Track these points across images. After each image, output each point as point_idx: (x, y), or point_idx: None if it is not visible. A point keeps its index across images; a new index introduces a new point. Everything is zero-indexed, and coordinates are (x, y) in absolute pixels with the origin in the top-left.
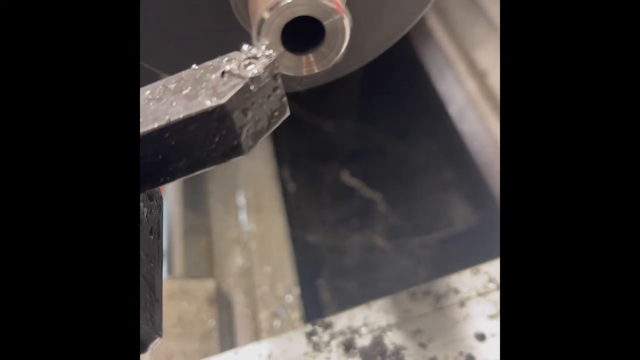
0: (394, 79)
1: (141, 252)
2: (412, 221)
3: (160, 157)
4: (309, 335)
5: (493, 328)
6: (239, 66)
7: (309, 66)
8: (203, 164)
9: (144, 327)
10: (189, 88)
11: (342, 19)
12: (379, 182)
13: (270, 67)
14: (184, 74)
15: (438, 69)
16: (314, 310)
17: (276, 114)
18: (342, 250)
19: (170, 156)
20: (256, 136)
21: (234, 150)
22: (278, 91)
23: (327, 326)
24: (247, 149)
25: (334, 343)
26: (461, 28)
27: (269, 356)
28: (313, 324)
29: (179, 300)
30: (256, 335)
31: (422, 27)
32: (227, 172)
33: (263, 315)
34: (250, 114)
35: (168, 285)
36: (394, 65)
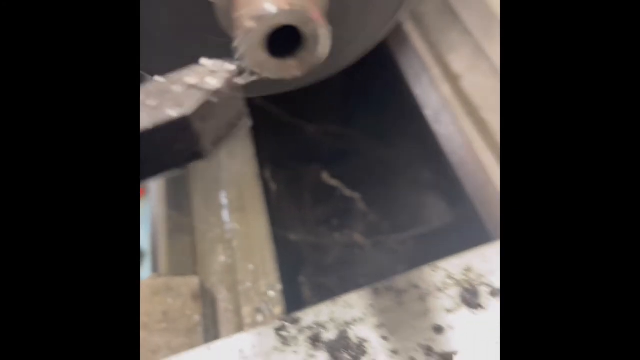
0: (373, 83)
1: None
2: (390, 219)
3: None
4: (278, 330)
5: (450, 321)
6: (200, 79)
7: (291, 70)
8: (167, 168)
9: None
10: (153, 99)
11: (320, 27)
12: (358, 182)
13: (229, 81)
14: (149, 86)
15: (414, 73)
16: (296, 305)
17: (236, 121)
18: (323, 247)
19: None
20: (216, 142)
21: (195, 155)
22: (237, 101)
23: (295, 321)
24: (207, 154)
25: (301, 337)
26: (436, 33)
27: (241, 351)
28: (282, 320)
29: (163, 297)
30: (240, 329)
31: (399, 33)
32: (209, 172)
33: (246, 310)
34: (210, 123)
35: (153, 282)
36: (373, 70)
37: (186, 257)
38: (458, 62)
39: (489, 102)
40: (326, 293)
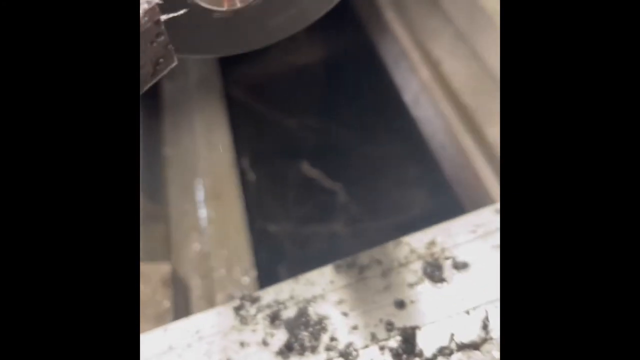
0: (353, 71)
1: None
2: (370, 207)
3: None
4: (237, 309)
5: (412, 296)
6: None
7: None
8: None
9: None
10: None
11: None
12: (339, 171)
13: (151, 13)
14: None
15: (393, 59)
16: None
17: (161, 60)
18: (301, 235)
19: None
20: (146, 80)
21: None
22: (162, 38)
23: (255, 300)
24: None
25: (260, 316)
26: (417, 20)
27: (197, 331)
28: (241, 299)
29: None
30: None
31: (379, 21)
32: (185, 161)
33: (220, 297)
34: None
35: None
36: (353, 57)
37: (159, 246)
38: (439, 47)
39: (468, 86)
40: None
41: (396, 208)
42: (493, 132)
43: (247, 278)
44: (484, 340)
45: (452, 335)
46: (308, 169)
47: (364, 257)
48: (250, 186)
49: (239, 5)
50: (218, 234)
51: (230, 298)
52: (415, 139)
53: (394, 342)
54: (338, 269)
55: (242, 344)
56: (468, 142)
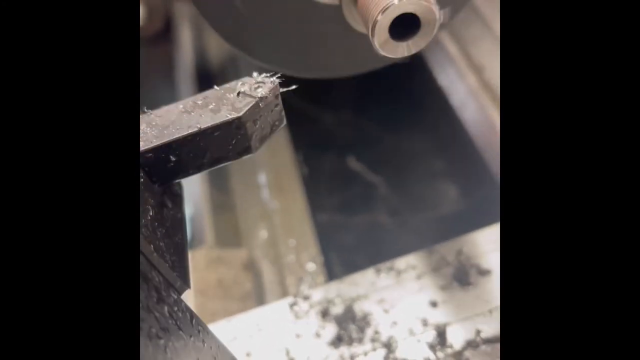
0: (399, 75)
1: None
2: (415, 203)
3: (191, 155)
4: (291, 305)
5: (443, 296)
6: (250, 88)
7: (404, 50)
8: (222, 161)
9: (179, 280)
10: (214, 104)
11: (434, 13)
12: (381, 168)
13: (274, 90)
14: (208, 93)
15: (439, 65)
16: (336, 276)
17: (277, 123)
18: (351, 225)
19: (199, 154)
20: (262, 140)
21: (245, 150)
22: (278, 107)
23: (306, 298)
24: (255, 149)
25: (312, 312)
26: (459, 27)
27: (257, 324)
28: (295, 296)
29: (216, 267)
30: (285, 296)
31: None
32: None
33: (290, 280)
34: (258, 123)
35: (207, 253)
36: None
37: (230, 232)
38: (480, 54)
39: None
40: (353, 269)
41: (439, 204)
42: None
43: (314, 264)
44: None
45: (478, 331)
46: (353, 162)
47: (400, 263)
48: (305, 179)
49: (412, 53)
50: (284, 223)
51: (300, 280)
52: (462, 140)
53: (429, 336)
54: (378, 272)
55: (297, 336)
56: None
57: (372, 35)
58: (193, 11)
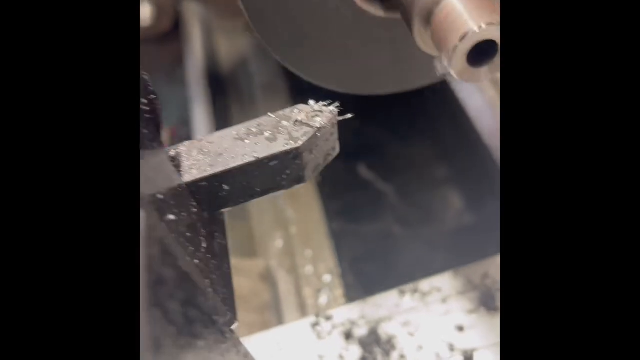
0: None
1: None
2: (424, 210)
3: (244, 184)
4: (313, 325)
5: (470, 321)
6: (307, 117)
7: (482, 76)
8: (274, 190)
9: (229, 314)
10: (269, 132)
11: None
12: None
13: (332, 119)
14: (262, 120)
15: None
16: (355, 289)
17: (331, 152)
18: (364, 234)
19: (252, 183)
20: (315, 169)
21: (298, 179)
22: (334, 136)
23: (329, 318)
24: (307, 178)
25: (335, 332)
26: None
27: (278, 343)
28: (316, 316)
29: (235, 277)
30: (302, 309)
31: None
32: None
33: (307, 292)
34: (314, 153)
35: None
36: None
37: (245, 242)
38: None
39: None
40: (365, 278)
41: (451, 215)
42: None
43: (331, 276)
44: None
45: None
46: (364, 171)
47: (424, 284)
48: (320, 187)
49: (488, 78)
50: (300, 233)
51: (318, 292)
52: (478, 152)
53: None
54: (402, 293)
55: (320, 357)
56: None
57: (450, 61)
58: (202, 11)
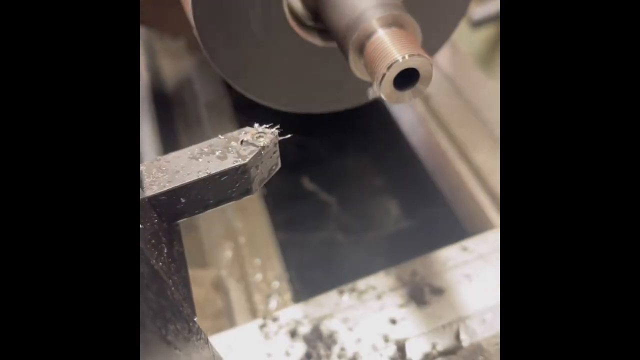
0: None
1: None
2: (364, 218)
3: (199, 197)
4: (261, 327)
5: (402, 314)
6: (252, 137)
7: (407, 98)
8: (225, 201)
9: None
10: (220, 151)
11: (431, 66)
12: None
13: (274, 140)
14: (213, 141)
15: None
16: (302, 293)
17: (274, 167)
18: (309, 242)
19: (206, 196)
20: (261, 182)
21: (246, 192)
22: (276, 153)
23: (275, 319)
24: (255, 191)
25: (281, 332)
26: None
27: (229, 345)
28: (264, 318)
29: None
30: (253, 314)
31: None
32: None
33: (258, 298)
34: (259, 168)
35: None
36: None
37: (195, 252)
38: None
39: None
40: (311, 283)
41: (388, 222)
42: (479, 156)
43: (279, 282)
44: (457, 348)
45: (434, 344)
46: (307, 183)
47: (361, 284)
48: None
49: (412, 100)
50: (249, 243)
51: (267, 297)
52: (411, 163)
53: (390, 350)
54: (341, 293)
55: (268, 355)
56: (460, 167)
57: (379, 86)
58: (144, 32)
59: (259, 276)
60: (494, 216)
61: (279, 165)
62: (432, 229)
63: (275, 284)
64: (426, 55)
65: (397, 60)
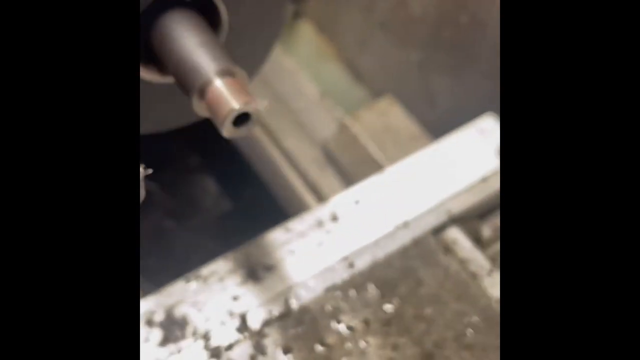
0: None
1: None
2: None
3: None
4: None
5: (242, 291)
6: None
7: (243, 133)
8: None
9: None
10: None
11: (258, 110)
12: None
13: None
14: None
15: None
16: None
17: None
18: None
19: None
20: None
21: None
22: (141, 184)
23: None
24: None
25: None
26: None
27: None
28: None
29: None
30: None
31: None
32: None
33: None
34: None
35: None
36: None
37: None
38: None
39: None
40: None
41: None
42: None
43: None
44: (289, 311)
45: (270, 311)
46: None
47: (204, 270)
48: None
49: (244, 134)
50: None
51: None
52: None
53: (235, 323)
54: (188, 280)
55: None
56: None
57: (220, 127)
58: None
59: None
60: (309, 199)
61: (144, 194)
62: (249, 211)
63: None
64: (256, 101)
65: (234, 108)
